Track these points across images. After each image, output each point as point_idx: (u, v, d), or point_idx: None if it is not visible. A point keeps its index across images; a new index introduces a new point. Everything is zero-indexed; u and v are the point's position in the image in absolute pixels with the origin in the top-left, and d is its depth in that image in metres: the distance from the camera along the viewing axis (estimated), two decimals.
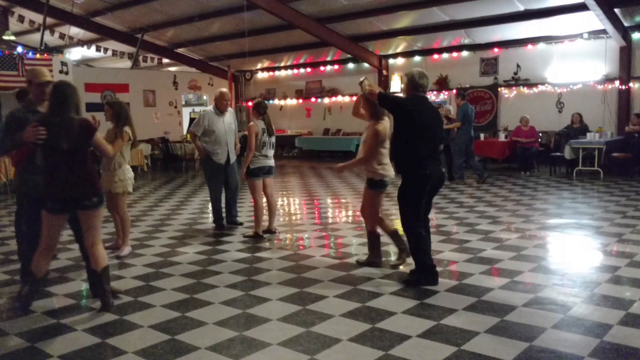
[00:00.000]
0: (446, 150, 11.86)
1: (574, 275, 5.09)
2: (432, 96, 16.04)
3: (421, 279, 4.94)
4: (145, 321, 4.19)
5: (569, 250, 6.11)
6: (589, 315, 4.12)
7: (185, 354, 3.63)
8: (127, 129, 6.05)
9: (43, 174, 4.42)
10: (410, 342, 3.70)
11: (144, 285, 5.10)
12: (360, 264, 5.61)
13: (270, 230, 7.16)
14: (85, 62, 21.20)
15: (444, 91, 16.53)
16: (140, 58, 19.31)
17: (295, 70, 20.13)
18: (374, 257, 5.61)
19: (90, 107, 15.04)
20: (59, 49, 16.98)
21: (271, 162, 7.10)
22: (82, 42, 18.65)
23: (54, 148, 4.25)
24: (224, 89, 7.57)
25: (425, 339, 3.73)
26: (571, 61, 14.18)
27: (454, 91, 15.38)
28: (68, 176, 4.30)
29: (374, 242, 5.64)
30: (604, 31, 13.13)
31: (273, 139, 7.08)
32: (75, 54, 20.58)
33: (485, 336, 3.76)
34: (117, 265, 5.83)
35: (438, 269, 5.13)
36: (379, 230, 5.64)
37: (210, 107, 7.58)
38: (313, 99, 19.75)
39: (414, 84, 4.97)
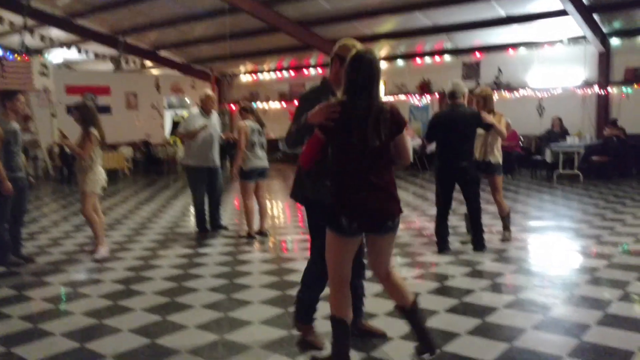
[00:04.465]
0: None
1: (554, 277, 5.14)
2: (415, 100, 16.15)
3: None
4: (125, 325, 4.14)
5: (549, 252, 6.16)
6: (569, 316, 4.16)
7: (165, 357, 3.59)
8: (93, 130, 6.05)
9: (334, 180, 3.23)
10: (392, 344, 3.71)
11: (124, 289, 5.05)
12: (503, 240, 6.50)
13: (261, 232, 7.13)
14: (67, 65, 20.98)
15: (426, 95, 16.61)
16: (122, 61, 19.16)
17: (279, 74, 20.10)
18: (510, 234, 6.60)
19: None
20: (40, 51, 16.77)
21: (264, 163, 7.12)
22: (63, 44, 18.46)
23: (359, 146, 3.08)
24: (209, 91, 7.57)
25: (406, 340, 3.72)
26: (551, 66, 14.32)
27: (436, 95, 15.58)
28: (375, 185, 3.12)
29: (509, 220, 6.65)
30: (583, 37, 13.30)
31: (263, 139, 7.10)
32: (56, 56, 20.34)
33: (467, 337, 3.78)
34: (95, 269, 5.77)
35: (419, 271, 5.32)
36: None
37: (194, 109, 7.54)
38: (297, 102, 19.68)
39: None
